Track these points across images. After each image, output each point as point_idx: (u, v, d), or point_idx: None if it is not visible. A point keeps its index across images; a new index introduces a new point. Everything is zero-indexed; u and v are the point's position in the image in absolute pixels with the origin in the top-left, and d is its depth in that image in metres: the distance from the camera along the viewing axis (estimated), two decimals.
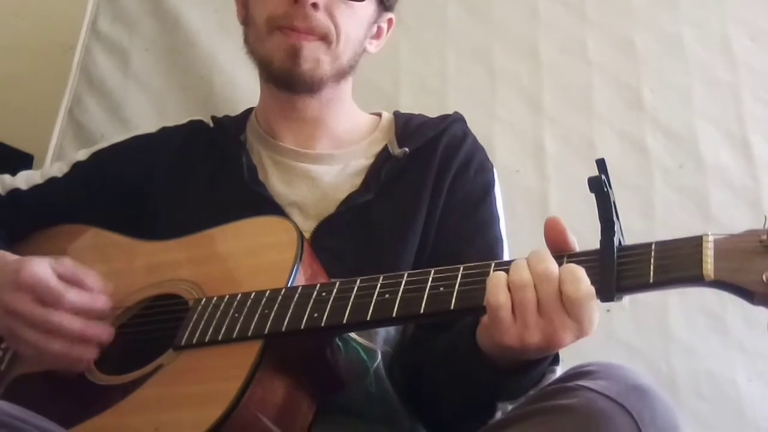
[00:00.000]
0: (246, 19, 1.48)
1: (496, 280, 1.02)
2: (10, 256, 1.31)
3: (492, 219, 1.44)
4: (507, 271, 1.04)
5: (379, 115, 1.57)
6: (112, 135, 1.64)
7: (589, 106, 2.06)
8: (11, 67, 2.43)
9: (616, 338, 1.84)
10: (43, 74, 2.37)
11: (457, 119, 1.53)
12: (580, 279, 0.98)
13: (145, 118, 2.06)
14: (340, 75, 1.46)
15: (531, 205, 1.95)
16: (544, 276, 1.00)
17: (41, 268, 1.22)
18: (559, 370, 1.15)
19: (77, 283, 1.24)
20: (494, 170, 1.50)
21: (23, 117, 2.35)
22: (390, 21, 1.55)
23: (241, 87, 2.10)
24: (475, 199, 1.44)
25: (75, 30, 2.18)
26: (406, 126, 1.51)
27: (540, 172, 2.01)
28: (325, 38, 1.39)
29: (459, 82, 2.11)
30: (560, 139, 2.04)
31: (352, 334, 1.26)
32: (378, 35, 1.54)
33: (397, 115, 1.55)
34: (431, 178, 1.43)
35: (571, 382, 1.00)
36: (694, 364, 1.83)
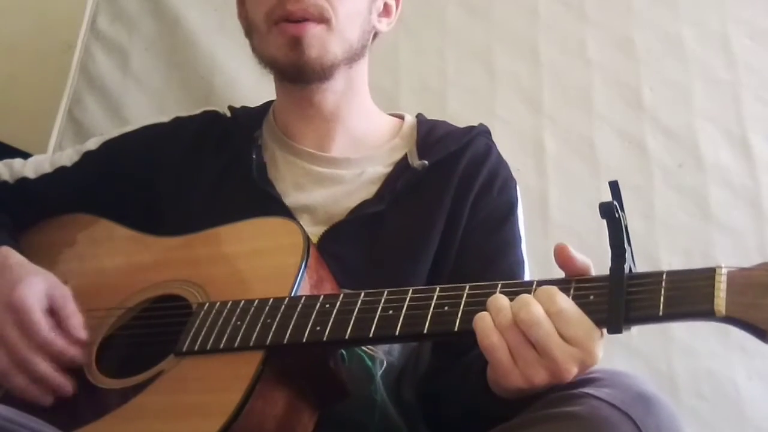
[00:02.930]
0: (249, 29, 1.47)
1: (482, 322, 1.01)
2: (14, 258, 1.30)
3: (514, 240, 1.42)
4: (509, 294, 1.03)
5: (402, 117, 1.54)
6: (120, 127, 1.64)
7: (589, 106, 2.06)
8: (11, 67, 2.42)
9: (615, 338, 1.83)
10: (42, 73, 2.36)
11: (481, 132, 1.50)
12: (576, 320, 0.99)
13: (145, 117, 2.03)
14: (352, 57, 1.43)
15: (531, 205, 1.95)
16: (528, 323, 0.99)
17: (32, 293, 1.22)
18: None
19: (60, 319, 1.23)
20: (517, 187, 1.48)
21: (23, 116, 2.34)
22: None
23: (241, 87, 2.09)
24: (498, 219, 1.42)
25: (74, 29, 2.18)
26: (428, 135, 1.48)
27: (540, 171, 2.01)
28: (321, 19, 1.37)
29: (459, 82, 2.10)
30: (560, 139, 2.04)
31: None
32: (387, 13, 1.51)
33: (420, 121, 1.52)
34: (449, 195, 1.40)
35: (576, 389, 1.00)
36: (694, 364, 1.84)
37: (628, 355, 1.83)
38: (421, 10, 2.11)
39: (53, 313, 1.23)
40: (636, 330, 1.82)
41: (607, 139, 2.03)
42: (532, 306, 1.00)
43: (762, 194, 1.96)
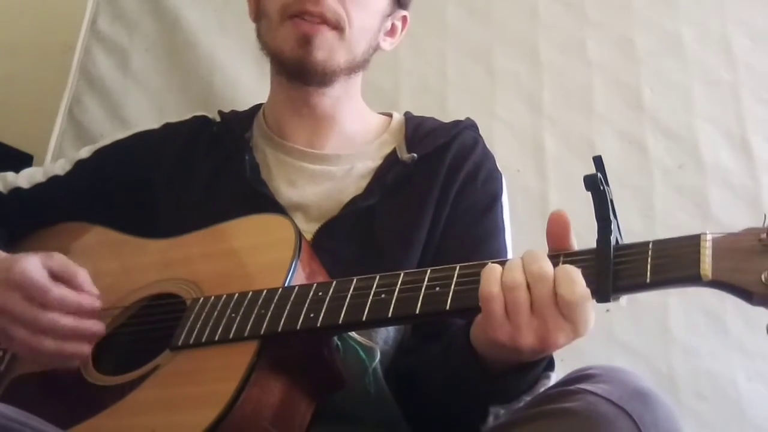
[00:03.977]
0: (258, 15, 1.47)
1: (490, 271, 1.02)
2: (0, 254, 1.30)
3: (497, 229, 1.42)
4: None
5: (390, 115, 1.55)
6: (112, 135, 1.64)
7: (589, 106, 2.06)
8: (11, 67, 2.43)
9: (615, 338, 1.84)
10: (43, 74, 2.36)
11: (468, 126, 1.51)
12: (575, 280, 0.97)
13: (145, 117, 2.06)
14: (353, 68, 1.44)
15: (531, 205, 1.95)
16: (538, 276, 0.99)
17: (31, 266, 1.21)
18: (556, 376, 1.14)
19: (67, 280, 1.23)
20: (503, 179, 1.48)
21: (23, 117, 2.35)
22: (404, 19, 1.53)
23: (241, 87, 2.10)
24: (480, 209, 1.42)
25: (75, 30, 2.18)
26: (416, 130, 1.48)
27: (540, 172, 2.01)
28: (336, 26, 1.37)
29: (459, 82, 2.11)
30: (560, 139, 2.04)
31: (351, 333, 1.24)
32: (392, 33, 1.52)
33: (408, 117, 1.53)
34: (438, 186, 1.41)
35: (573, 385, 1.00)
36: (694, 364, 1.84)
37: (628, 355, 1.83)
38: (421, 10, 2.10)
39: (55, 275, 1.23)
40: (636, 330, 1.84)
41: (607, 139, 2.03)
42: (544, 262, 1.00)
43: (762, 195, 1.96)
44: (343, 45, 1.39)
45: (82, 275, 1.24)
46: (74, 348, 1.20)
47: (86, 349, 1.20)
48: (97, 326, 1.21)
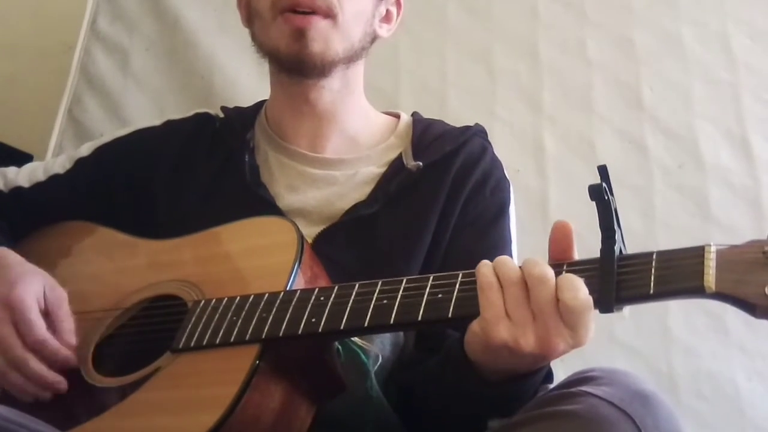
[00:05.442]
0: (250, 18, 1.46)
1: (488, 266, 1.02)
2: (12, 258, 1.30)
3: (504, 242, 1.41)
4: None
5: (398, 116, 1.53)
6: (113, 132, 1.63)
7: (589, 106, 2.06)
8: (11, 67, 2.43)
9: (615, 338, 1.84)
10: (42, 74, 2.37)
11: (477, 132, 1.49)
12: (578, 288, 0.97)
13: (145, 117, 2.05)
14: (352, 57, 1.43)
15: (531, 205, 1.95)
16: (539, 278, 0.99)
17: (31, 293, 1.22)
18: (557, 377, 1.14)
19: (52, 321, 1.24)
20: (511, 188, 1.47)
21: (23, 117, 2.35)
22: (398, 3, 1.52)
23: (241, 87, 2.10)
24: (488, 219, 1.41)
25: (75, 30, 2.18)
26: (423, 135, 1.47)
27: (540, 171, 2.01)
28: (329, 14, 1.36)
29: (459, 82, 2.11)
30: (560, 139, 2.04)
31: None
32: (388, 19, 1.51)
33: (416, 120, 1.51)
34: (443, 195, 1.39)
35: (574, 387, 1.00)
36: (694, 364, 1.84)
37: (628, 355, 1.83)
38: (421, 10, 2.11)
39: (47, 314, 1.24)
40: (636, 330, 1.84)
41: (607, 139, 2.03)
42: (545, 267, 1.00)
43: (762, 194, 1.97)
44: (338, 33, 1.38)
45: (66, 325, 1.25)
46: (35, 391, 1.20)
47: (46, 395, 1.20)
48: (61, 384, 1.21)
